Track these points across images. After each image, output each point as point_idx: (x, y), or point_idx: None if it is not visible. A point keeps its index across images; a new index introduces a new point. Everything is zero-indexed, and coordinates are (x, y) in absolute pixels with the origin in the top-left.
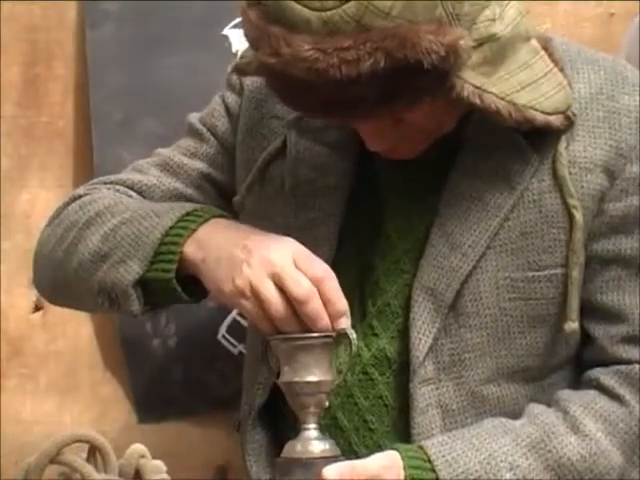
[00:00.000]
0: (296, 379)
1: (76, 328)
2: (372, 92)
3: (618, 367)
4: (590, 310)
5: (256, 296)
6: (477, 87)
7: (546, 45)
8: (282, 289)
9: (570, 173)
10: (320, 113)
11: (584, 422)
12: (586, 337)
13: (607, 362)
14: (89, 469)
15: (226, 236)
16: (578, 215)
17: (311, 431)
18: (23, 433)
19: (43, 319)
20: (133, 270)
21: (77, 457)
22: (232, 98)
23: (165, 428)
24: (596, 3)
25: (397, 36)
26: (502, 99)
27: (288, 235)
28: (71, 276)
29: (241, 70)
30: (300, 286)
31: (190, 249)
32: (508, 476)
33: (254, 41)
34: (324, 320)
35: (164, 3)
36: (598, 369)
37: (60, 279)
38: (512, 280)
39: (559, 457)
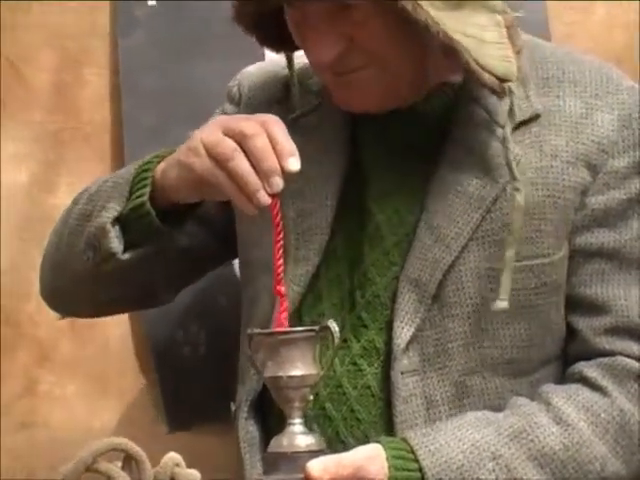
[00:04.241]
0: (280, 373)
1: (105, 334)
2: None
3: (601, 359)
4: (574, 303)
5: (205, 145)
6: (416, 4)
7: (510, 29)
8: (232, 136)
9: (552, 166)
10: None
11: (567, 412)
12: (570, 331)
13: (590, 355)
14: (125, 477)
15: None
16: (519, 197)
17: (296, 426)
18: (53, 439)
19: (72, 325)
20: (111, 209)
21: (113, 466)
22: (230, 109)
23: (195, 436)
24: (628, 10)
25: None
26: (436, 23)
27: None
28: (64, 250)
29: (235, 5)
30: (248, 123)
31: (159, 166)
32: (491, 465)
33: None
34: (271, 158)
35: (196, 10)
36: (581, 362)
37: (57, 263)
38: (494, 270)
39: (542, 447)
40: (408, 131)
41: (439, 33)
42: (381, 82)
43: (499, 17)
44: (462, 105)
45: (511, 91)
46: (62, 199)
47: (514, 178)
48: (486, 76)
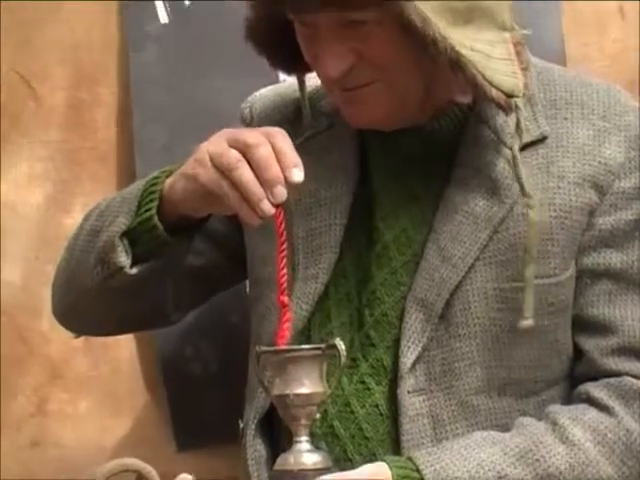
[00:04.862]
0: (287, 391)
1: (117, 352)
2: None
3: (608, 380)
4: (581, 324)
5: (210, 156)
6: (424, 18)
7: (517, 46)
8: (236, 147)
9: (559, 187)
10: (271, 5)
11: (573, 432)
12: (577, 352)
13: (597, 375)
14: None
15: None
16: (532, 214)
17: (303, 444)
18: (64, 458)
19: (84, 343)
20: (120, 223)
21: None
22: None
23: (204, 454)
24: None
25: None
26: (444, 38)
27: (291, 245)
28: (74, 266)
29: (248, 20)
30: (252, 134)
31: (167, 180)
32: None
33: None
34: (274, 168)
35: (207, 27)
36: (588, 383)
37: (68, 279)
38: (501, 290)
39: (547, 466)
40: (417, 151)
41: (446, 48)
42: (389, 98)
43: (507, 34)
44: (470, 126)
45: (517, 107)
46: (77, 219)
47: (525, 195)
48: (493, 91)
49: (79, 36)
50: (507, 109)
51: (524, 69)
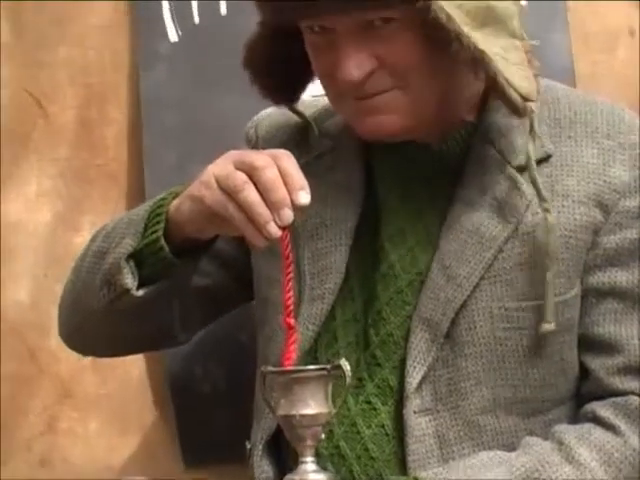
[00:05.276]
0: (292, 412)
1: (126, 371)
2: None
3: (614, 399)
4: (587, 343)
5: (217, 178)
6: (449, 14)
7: (527, 54)
8: (242, 169)
9: (563, 206)
10: (292, 10)
11: (579, 452)
12: (583, 371)
13: (604, 395)
14: None
15: None
16: (551, 217)
17: (308, 464)
18: (73, 476)
19: (93, 362)
20: (126, 245)
21: None
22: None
23: (211, 474)
24: None
25: None
26: (468, 37)
27: (297, 266)
28: (80, 288)
29: (247, 46)
30: (259, 156)
31: (174, 202)
32: None
33: None
34: (281, 190)
35: (217, 46)
36: (594, 402)
37: (74, 300)
38: (506, 310)
39: None
40: (423, 170)
41: (470, 45)
42: (406, 106)
43: (517, 42)
44: (476, 145)
45: (532, 111)
46: (86, 237)
47: (542, 198)
48: (512, 92)
49: (89, 55)
50: (522, 112)
51: (535, 76)
